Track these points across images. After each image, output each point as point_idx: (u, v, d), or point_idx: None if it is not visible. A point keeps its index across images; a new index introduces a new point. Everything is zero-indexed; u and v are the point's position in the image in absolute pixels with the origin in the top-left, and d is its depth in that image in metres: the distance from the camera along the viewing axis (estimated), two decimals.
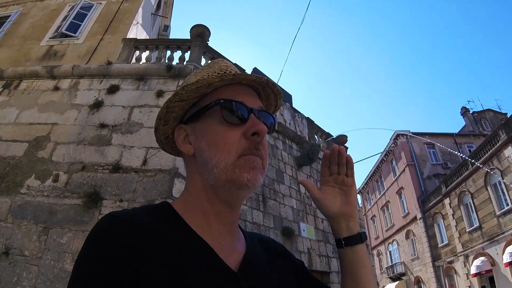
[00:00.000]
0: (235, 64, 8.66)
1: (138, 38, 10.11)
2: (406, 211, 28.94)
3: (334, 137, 13.10)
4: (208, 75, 0.82)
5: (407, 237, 28.97)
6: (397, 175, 30.66)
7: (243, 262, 0.78)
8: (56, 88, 8.06)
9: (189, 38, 8.94)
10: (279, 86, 0.90)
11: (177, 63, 8.44)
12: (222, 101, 0.80)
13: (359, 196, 39.02)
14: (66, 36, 10.06)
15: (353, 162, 0.95)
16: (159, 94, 7.57)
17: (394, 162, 31.65)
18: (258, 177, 0.77)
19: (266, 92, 0.91)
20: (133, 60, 8.83)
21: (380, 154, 33.37)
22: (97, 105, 7.53)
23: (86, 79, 8.19)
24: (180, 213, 0.79)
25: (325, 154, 0.96)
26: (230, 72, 0.83)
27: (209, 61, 0.94)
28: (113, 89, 7.82)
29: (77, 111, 7.53)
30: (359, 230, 0.93)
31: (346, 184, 0.94)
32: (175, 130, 0.89)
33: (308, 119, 12.07)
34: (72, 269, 0.65)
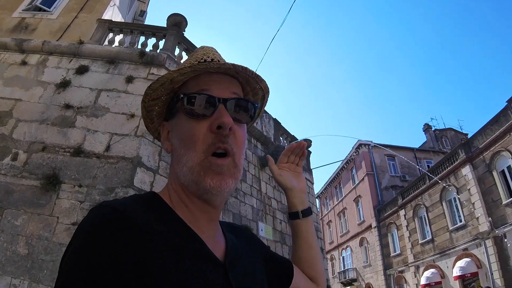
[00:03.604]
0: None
1: (113, 20, 9.91)
2: (362, 219, 29.68)
3: (299, 140, 13.25)
4: (184, 66, 0.80)
5: (361, 244, 29.71)
6: (356, 183, 31.45)
7: (227, 253, 0.81)
8: (24, 63, 7.83)
9: (165, 26, 8.84)
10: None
11: (150, 50, 8.34)
12: (182, 95, 0.79)
13: (317, 201, 39.61)
14: (40, 9, 9.78)
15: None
16: (129, 79, 7.46)
17: (354, 170, 32.45)
18: (225, 183, 0.75)
19: (245, 78, 0.87)
20: (106, 42, 8.65)
21: (341, 161, 33.97)
22: (64, 84, 7.35)
23: (55, 57, 7.98)
24: (170, 205, 0.77)
25: (291, 146, 1.20)
26: (205, 60, 0.82)
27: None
28: (82, 70, 7.65)
29: (43, 88, 7.33)
30: (309, 205, 1.17)
31: (297, 170, 1.19)
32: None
33: (275, 120, 12.19)
34: (66, 261, 0.61)
